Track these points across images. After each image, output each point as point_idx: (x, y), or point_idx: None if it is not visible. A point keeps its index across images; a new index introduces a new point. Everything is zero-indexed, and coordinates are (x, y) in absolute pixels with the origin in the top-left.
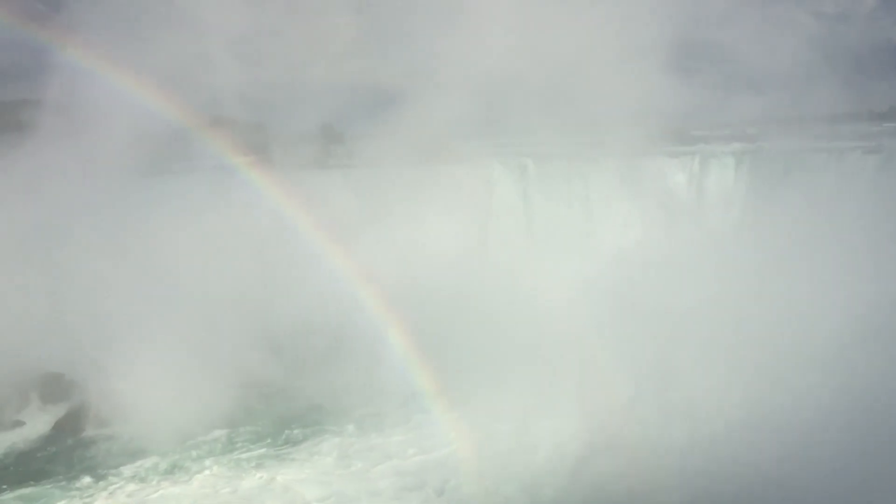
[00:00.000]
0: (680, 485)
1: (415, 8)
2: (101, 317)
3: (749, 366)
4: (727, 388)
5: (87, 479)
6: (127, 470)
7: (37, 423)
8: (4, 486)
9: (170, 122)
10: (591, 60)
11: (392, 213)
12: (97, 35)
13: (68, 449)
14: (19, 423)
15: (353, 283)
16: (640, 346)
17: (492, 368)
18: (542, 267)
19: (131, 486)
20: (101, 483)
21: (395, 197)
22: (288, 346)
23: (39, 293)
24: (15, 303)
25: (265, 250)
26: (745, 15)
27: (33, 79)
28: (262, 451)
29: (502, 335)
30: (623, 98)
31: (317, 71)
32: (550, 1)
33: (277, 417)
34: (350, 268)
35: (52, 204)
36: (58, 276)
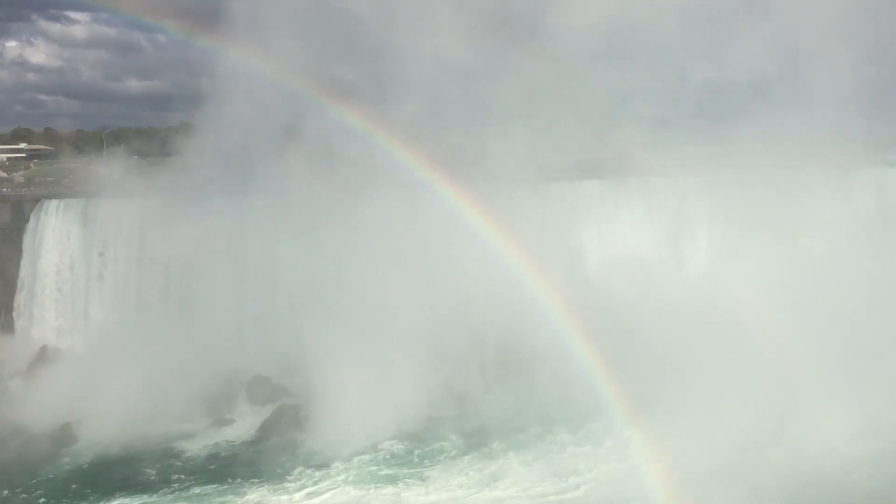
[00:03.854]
0: None
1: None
2: (305, 326)
3: None
4: None
5: (274, 481)
6: (307, 477)
7: (245, 423)
8: (213, 481)
9: (368, 140)
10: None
11: (584, 224)
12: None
13: (269, 450)
14: (230, 421)
15: (542, 294)
16: (853, 366)
17: (686, 382)
18: (739, 275)
19: (303, 494)
20: (285, 486)
21: (587, 208)
22: (478, 360)
23: (249, 301)
24: (228, 310)
25: (459, 264)
26: None
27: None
28: (437, 467)
29: (696, 345)
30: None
31: (511, 87)
32: None
33: (458, 433)
34: (540, 280)
35: (268, 222)
36: (265, 286)
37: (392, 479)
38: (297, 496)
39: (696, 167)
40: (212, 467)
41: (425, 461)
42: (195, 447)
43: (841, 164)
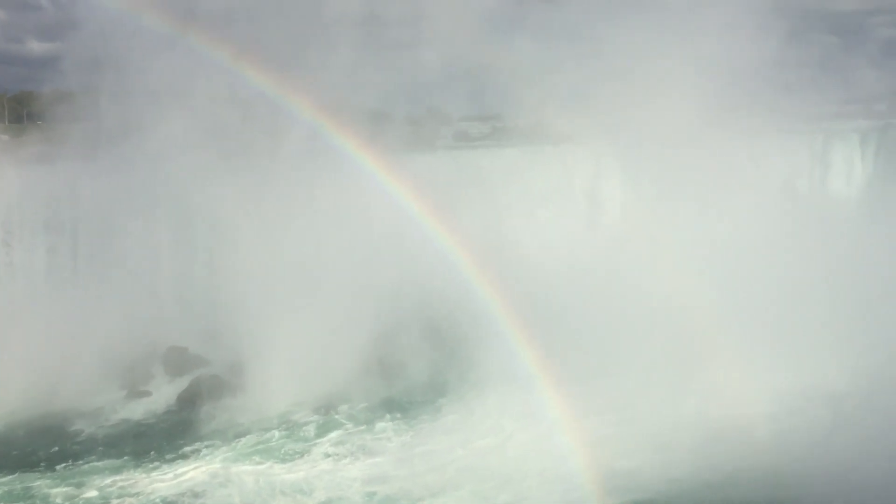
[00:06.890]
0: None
1: None
2: (222, 294)
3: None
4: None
5: (157, 460)
6: (222, 449)
7: (161, 395)
8: (108, 457)
9: (283, 107)
10: None
11: (500, 193)
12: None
13: (175, 425)
14: (146, 394)
15: (462, 263)
16: (759, 330)
17: (599, 350)
18: (651, 249)
19: (217, 465)
20: (199, 457)
21: (503, 177)
22: (397, 327)
23: (165, 267)
24: (143, 280)
25: (377, 232)
26: None
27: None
28: (351, 435)
29: (610, 318)
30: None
31: (427, 54)
32: None
33: (377, 400)
34: (460, 248)
35: (184, 192)
36: (182, 251)
37: (275, 455)
38: (166, 475)
39: (610, 134)
40: (112, 444)
41: (326, 434)
42: (101, 422)
43: (751, 132)
